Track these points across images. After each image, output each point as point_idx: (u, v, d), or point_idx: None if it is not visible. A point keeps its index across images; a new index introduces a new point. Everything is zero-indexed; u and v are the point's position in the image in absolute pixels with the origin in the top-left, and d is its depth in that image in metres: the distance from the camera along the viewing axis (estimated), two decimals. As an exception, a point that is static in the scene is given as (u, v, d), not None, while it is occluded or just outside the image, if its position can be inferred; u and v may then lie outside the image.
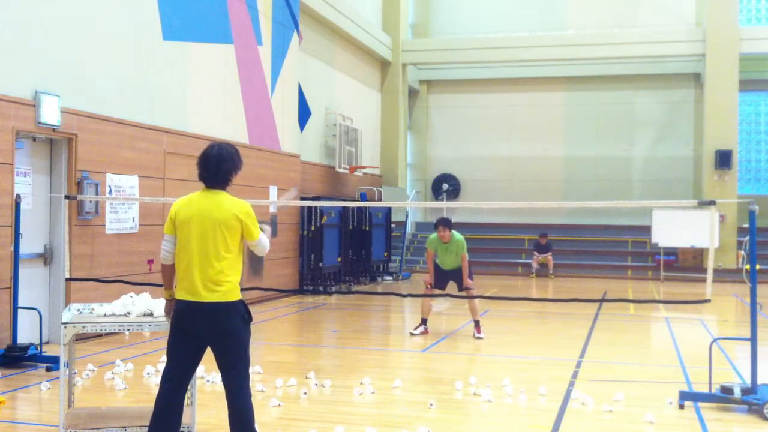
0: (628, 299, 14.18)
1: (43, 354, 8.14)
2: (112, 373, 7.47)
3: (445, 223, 10.31)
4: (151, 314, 5.42)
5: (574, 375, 7.94)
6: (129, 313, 5.44)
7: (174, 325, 4.72)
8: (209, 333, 4.62)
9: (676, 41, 21.32)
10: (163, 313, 5.16)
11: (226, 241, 4.64)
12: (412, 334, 10.45)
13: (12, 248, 8.29)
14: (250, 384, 4.79)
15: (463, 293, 10.27)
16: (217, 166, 4.72)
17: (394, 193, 21.47)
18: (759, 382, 6.51)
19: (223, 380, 4.71)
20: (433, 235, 10.46)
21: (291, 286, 14.98)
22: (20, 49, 8.64)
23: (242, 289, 4.72)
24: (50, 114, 8.90)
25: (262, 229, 4.85)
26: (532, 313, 13.34)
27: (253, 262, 5.38)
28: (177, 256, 4.70)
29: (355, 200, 18.46)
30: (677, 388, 7.04)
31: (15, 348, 7.96)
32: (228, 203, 4.70)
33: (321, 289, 15.65)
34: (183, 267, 4.65)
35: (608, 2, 22.93)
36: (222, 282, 4.60)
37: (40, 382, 7.16)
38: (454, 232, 10.35)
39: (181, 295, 4.65)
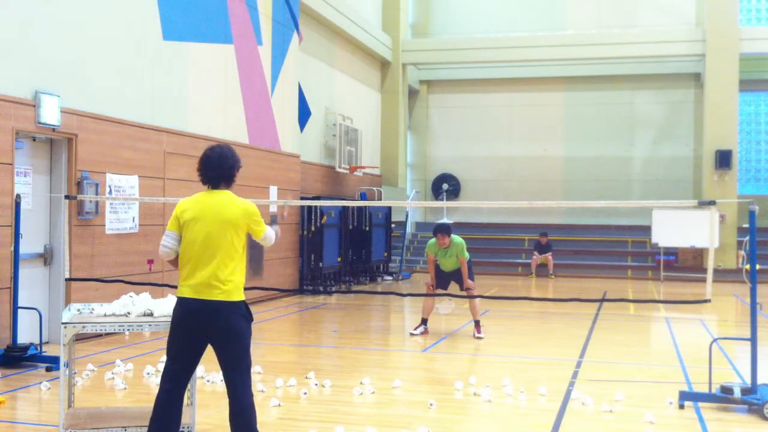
0: (628, 299, 14.17)
1: (43, 354, 8.14)
2: (112, 373, 7.47)
3: (444, 231, 10.19)
4: (151, 314, 5.42)
5: (574, 375, 7.94)
6: (129, 313, 5.44)
7: (175, 324, 4.69)
8: (211, 332, 4.61)
9: (676, 41, 21.32)
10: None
11: (233, 241, 4.65)
12: (412, 334, 10.44)
13: (12, 248, 8.29)
14: (251, 384, 4.79)
15: (463, 293, 10.27)
16: (221, 164, 4.75)
17: (394, 193, 21.47)
18: (759, 382, 6.52)
19: (225, 379, 4.70)
20: (432, 240, 10.41)
21: (291, 286, 14.97)
22: (20, 49, 8.64)
23: (243, 289, 4.73)
24: (50, 114, 8.90)
25: (268, 224, 4.88)
26: (532, 313, 13.34)
27: (253, 263, 5.41)
28: (183, 255, 4.70)
29: (355, 200, 18.45)
30: (677, 388, 7.05)
31: (15, 348, 7.96)
32: (234, 202, 4.73)
33: (321, 289, 15.65)
34: (189, 266, 4.65)
35: (608, 2, 22.92)
36: (226, 281, 4.60)
37: (40, 382, 7.15)
38: (453, 235, 10.32)
39: (185, 292, 4.64)
